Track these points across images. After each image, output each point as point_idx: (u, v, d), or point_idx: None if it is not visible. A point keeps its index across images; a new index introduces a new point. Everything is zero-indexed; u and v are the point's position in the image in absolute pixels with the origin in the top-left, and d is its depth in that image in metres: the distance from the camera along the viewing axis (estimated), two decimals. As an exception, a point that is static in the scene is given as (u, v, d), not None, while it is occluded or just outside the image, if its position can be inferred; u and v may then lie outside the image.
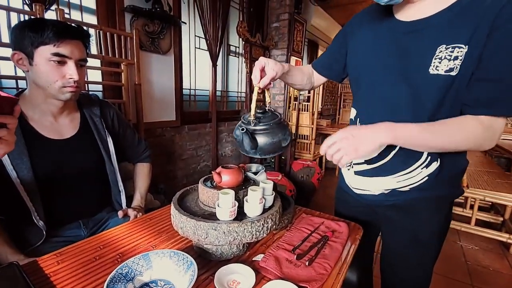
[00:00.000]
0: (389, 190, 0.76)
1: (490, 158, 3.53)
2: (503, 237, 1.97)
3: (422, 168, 0.69)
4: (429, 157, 0.68)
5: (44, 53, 0.77)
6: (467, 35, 0.55)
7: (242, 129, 0.66)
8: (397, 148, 0.70)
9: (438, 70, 0.58)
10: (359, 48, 0.77)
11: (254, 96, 0.71)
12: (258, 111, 0.70)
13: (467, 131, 0.59)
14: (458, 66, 0.56)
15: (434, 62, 0.58)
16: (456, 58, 0.56)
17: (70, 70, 0.81)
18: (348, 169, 0.87)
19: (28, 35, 0.76)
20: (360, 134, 0.60)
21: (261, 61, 0.73)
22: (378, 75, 0.70)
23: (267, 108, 0.75)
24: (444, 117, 0.61)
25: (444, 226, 0.79)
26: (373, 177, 0.77)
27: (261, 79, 0.72)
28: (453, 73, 0.57)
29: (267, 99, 0.78)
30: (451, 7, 0.58)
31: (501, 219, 2.16)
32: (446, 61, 0.57)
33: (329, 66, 0.90)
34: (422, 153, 0.68)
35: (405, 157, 0.70)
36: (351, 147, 0.59)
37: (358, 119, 0.81)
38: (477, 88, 0.57)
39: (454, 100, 0.60)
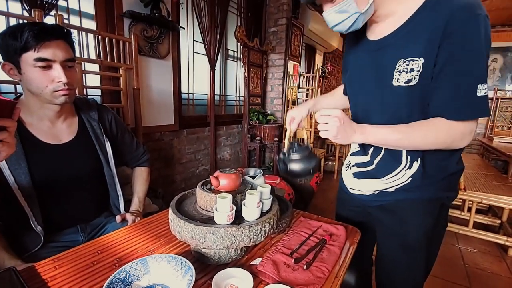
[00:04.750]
0: (378, 191, 0.80)
1: (487, 160, 3.56)
2: (501, 239, 1.97)
3: (406, 170, 0.73)
4: (409, 157, 0.72)
5: (28, 59, 0.76)
6: (421, 48, 0.61)
7: (278, 159, 0.86)
8: (380, 155, 0.76)
9: (399, 82, 0.65)
10: (348, 67, 0.86)
11: (287, 135, 0.90)
12: (295, 144, 0.85)
13: (434, 131, 0.63)
14: (417, 77, 0.62)
15: (395, 75, 0.65)
16: (412, 70, 0.62)
17: (57, 73, 0.79)
18: (346, 170, 0.92)
19: (10, 44, 0.75)
20: (346, 127, 0.66)
21: (290, 114, 0.94)
22: (360, 87, 0.79)
23: (303, 143, 0.87)
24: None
25: (434, 230, 0.78)
26: (364, 179, 0.83)
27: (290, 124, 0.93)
28: (412, 83, 0.63)
29: (305, 137, 0.97)
30: (406, 24, 0.64)
31: (499, 221, 2.17)
32: (404, 73, 0.63)
33: None
34: (401, 157, 0.73)
35: (389, 162, 0.75)
36: (334, 131, 0.65)
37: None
38: (435, 96, 0.62)
39: (422, 107, 0.65)
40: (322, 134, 0.67)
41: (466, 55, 0.57)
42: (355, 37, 0.80)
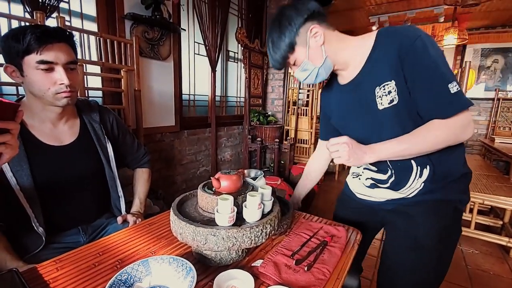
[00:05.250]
0: (394, 198, 0.84)
1: (489, 161, 3.54)
2: (503, 240, 1.96)
3: (418, 179, 0.78)
4: (418, 167, 0.77)
5: (30, 62, 0.76)
6: (388, 74, 0.71)
7: None
8: (392, 178, 0.82)
9: (383, 105, 0.73)
10: (335, 116, 0.95)
11: None
12: None
13: (433, 131, 0.69)
14: (396, 96, 0.71)
15: (378, 101, 0.74)
16: (390, 92, 0.71)
17: (60, 75, 0.79)
18: (353, 178, 0.96)
19: (12, 46, 0.75)
20: (355, 150, 0.73)
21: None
22: (352, 119, 0.86)
23: None
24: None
25: (447, 232, 0.80)
26: (380, 189, 0.87)
27: None
28: (395, 102, 0.72)
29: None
30: (367, 63, 0.75)
31: (501, 222, 2.16)
32: (384, 97, 0.72)
33: (332, 131, 1.00)
34: (412, 166, 0.78)
35: (402, 176, 0.80)
36: (345, 156, 0.73)
37: None
38: (420, 105, 0.70)
39: (412, 117, 0.72)
40: (336, 161, 0.76)
41: (426, 67, 0.66)
42: (331, 86, 0.92)
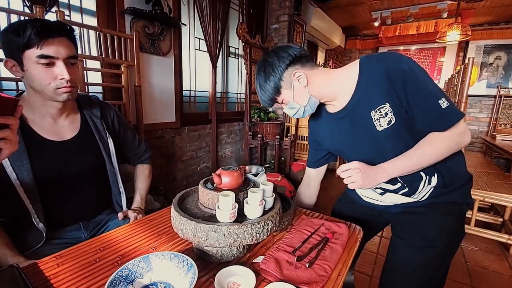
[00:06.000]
0: (404, 203, 0.86)
1: (490, 159, 3.54)
2: (503, 238, 1.97)
3: (426, 186, 0.81)
4: (427, 176, 0.80)
5: (31, 56, 0.76)
6: (381, 97, 0.73)
7: None
8: (405, 189, 0.83)
9: (382, 126, 0.76)
10: (330, 143, 0.96)
11: None
12: None
13: (438, 142, 0.73)
14: (393, 116, 0.74)
15: (375, 123, 0.76)
16: (386, 114, 0.74)
17: (60, 70, 0.79)
18: None
19: (12, 40, 0.74)
20: (368, 173, 0.76)
21: None
22: (352, 143, 0.87)
23: None
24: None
25: (454, 232, 0.83)
26: (388, 194, 0.88)
27: None
28: (393, 122, 0.74)
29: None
30: (356, 91, 0.78)
31: (501, 220, 2.16)
32: (382, 119, 0.75)
33: (323, 157, 1.04)
34: (421, 176, 0.80)
35: (411, 185, 0.82)
36: (360, 180, 0.75)
37: None
38: (417, 121, 0.73)
39: (411, 133, 0.75)
40: (350, 186, 0.77)
41: (415, 87, 0.70)
42: (319, 115, 0.95)
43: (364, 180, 0.74)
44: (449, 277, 1.71)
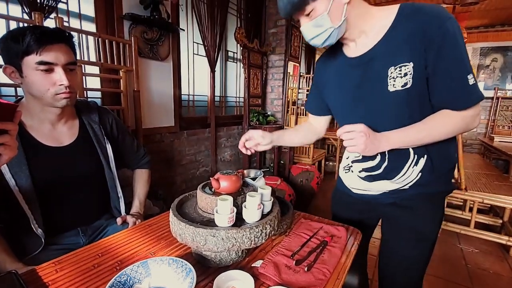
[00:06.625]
0: (391, 190, 0.82)
1: (488, 160, 3.55)
2: (503, 239, 1.97)
3: (413, 167, 0.76)
4: (416, 156, 0.75)
5: (30, 63, 0.76)
6: (408, 55, 0.65)
7: None
8: (386, 159, 0.77)
9: (395, 87, 0.68)
10: (330, 92, 0.88)
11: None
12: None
13: (450, 121, 0.68)
14: (411, 80, 0.66)
15: (390, 82, 0.69)
16: (405, 74, 0.66)
17: (59, 76, 0.79)
18: (346, 172, 0.92)
19: (11, 47, 0.75)
20: (372, 139, 0.69)
21: (250, 134, 0.92)
22: (354, 100, 0.79)
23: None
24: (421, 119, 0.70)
25: (440, 221, 0.85)
26: (374, 181, 0.83)
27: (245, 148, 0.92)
28: (408, 86, 0.67)
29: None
30: (386, 37, 0.69)
31: (500, 221, 2.16)
32: (399, 79, 0.67)
33: (323, 106, 0.95)
34: (409, 154, 0.75)
35: (396, 163, 0.77)
36: (362, 145, 0.68)
37: None
38: (436, 93, 0.67)
39: (420, 105, 0.70)
40: (350, 150, 0.71)
41: (453, 56, 0.63)
42: (333, 57, 0.83)
43: (367, 146, 0.68)
44: (449, 280, 1.72)
